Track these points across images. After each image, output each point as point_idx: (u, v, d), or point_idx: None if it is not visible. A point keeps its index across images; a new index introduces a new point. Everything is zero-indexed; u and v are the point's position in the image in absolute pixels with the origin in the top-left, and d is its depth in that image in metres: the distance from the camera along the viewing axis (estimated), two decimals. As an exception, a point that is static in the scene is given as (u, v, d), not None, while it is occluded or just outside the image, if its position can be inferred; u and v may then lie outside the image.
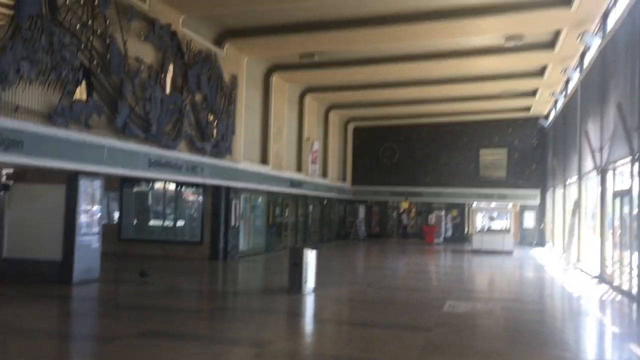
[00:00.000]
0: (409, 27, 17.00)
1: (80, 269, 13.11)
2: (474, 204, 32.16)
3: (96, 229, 13.70)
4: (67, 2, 11.82)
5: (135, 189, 20.93)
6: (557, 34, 18.37)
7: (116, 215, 21.05)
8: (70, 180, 13.04)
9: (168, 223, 20.89)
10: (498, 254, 25.36)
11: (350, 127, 35.16)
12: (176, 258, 19.32)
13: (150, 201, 21.21)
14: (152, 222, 21.05)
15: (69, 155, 11.94)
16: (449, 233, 33.21)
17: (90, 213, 13.52)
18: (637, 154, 12.42)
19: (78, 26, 12.12)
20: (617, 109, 13.31)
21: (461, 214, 33.70)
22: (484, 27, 17.23)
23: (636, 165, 12.67)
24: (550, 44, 19.30)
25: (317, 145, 28.87)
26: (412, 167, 34.38)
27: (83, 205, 13.23)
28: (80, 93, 12.24)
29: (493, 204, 32.26)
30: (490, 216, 29.99)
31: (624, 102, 13.65)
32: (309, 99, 27.46)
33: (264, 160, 22.59)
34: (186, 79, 16.56)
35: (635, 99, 12.78)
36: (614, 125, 14.78)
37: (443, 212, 33.25)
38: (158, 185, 20.73)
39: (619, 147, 14.18)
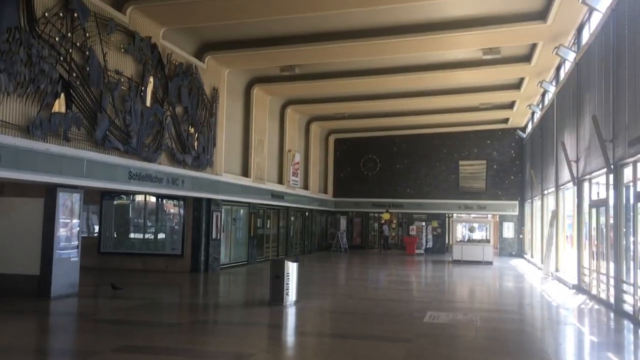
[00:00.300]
0: (389, 40, 17.21)
1: (59, 284, 12.93)
2: (455, 215, 32.48)
3: (75, 242, 13.54)
4: (46, 15, 11.77)
5: (116, 202, 20.74)
6: (533, 47, 18.74)
7: (96, 228, 20.82)
8: (49, 193, 12.90)
9: (149, 236, 20.71)
10: (478, 264, 25.59)
11: (332, 139, 35.30)
12: (157, 271, 19.18)
13: (130, 214, 21.02)
14: (132, 235, 20.85)
15: (48, 169, 11.83)
16: (430, 244, 33.39)
17: (69, 226, 13.38)
18: (612, 165, 12.66)
19: (57, 38, 12.07)
20: (592, 120, 13.57)
21: (442, 225, 33.92)
22: (462, 41, 17.50)
23: (611, 176, 12.91)
24: (526, 58, 19.67)
25: (298, 157, 28.94)
26: (392, 178, 34.58)
27: (62, 219, 13.07)
28: (59, 105, 12.16)
29: (473, 215, 32.63)
30: (470, 227, 30.24)
31: (599, 114, 13.93)
32: (290, 111, 27.56)
33: (245, 172, 22.59)
34: (167, 92, 16.54)
35: (610, 111, 13.06)
36: (590, 137, 15.06)
37: (424, 223, 33.45)
38: (139, 198, 20.56)
39: (595, 159, 14.44)
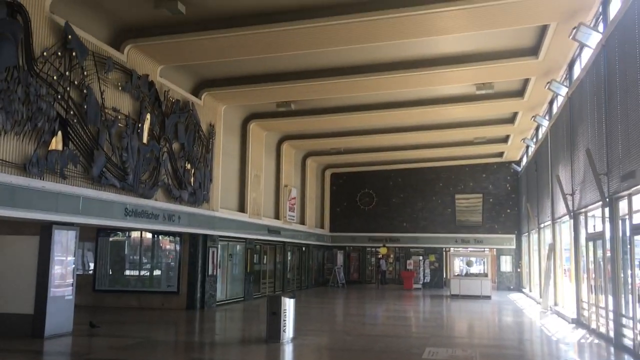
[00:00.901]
0: (384, 76, 17.46)
1: (53, 323, 12.77)
2: (452, 250, 32.39)
3: (70, 280, 13.41)
4: (45, 54, 11.92)
5: (111, 238, 20.64)
6: (526, 82, 19.02)
7: (91, 265, 20.66)
8: (44, 230, 12.83)
9: (144, 273, 20.54)
10: (476, 298, 25.41)
11: (328, 173, 35.41)
12: (152, 309, 18.97)
13: (126, 250, 20.88)
14: (128, 272, 20.68)
15: (43, 206, 11.82)
16: (428, 278, 33.20)
17: (64, 264, 13.26)
18: (607, 199, 12.71)
19: (55, 77, 12.20)
20: (586, 154, 13.67)
21: (439, 259, 33.78)
22: (456, 77, 17.75)
23: (607, 209, 12.95)
24: (519, 92, 19.94)
25: (294, 192, 28.96)
26: (389, 212, 34.57)
27: (57, 257, 12.96)
28: (56, 143, 12.21)
29: (470, 249, 32.55)
30: (468, 261, 30.11)
31: (592, 147, 14.05)
32: (286, 147, 27.70)
33: (241, 207, 22.57)
34: (163, 128, 16.64)
35: (603, 144, 13.17)
36: (584, 170, 15.16)
37: (421, 258, 33.32)
38: (134, 234, 20.47)
39: (590, 192, 14.50)
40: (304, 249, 31.36)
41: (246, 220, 22.50)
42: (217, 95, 19.59)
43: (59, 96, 12.32)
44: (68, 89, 12.61)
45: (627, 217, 11.82)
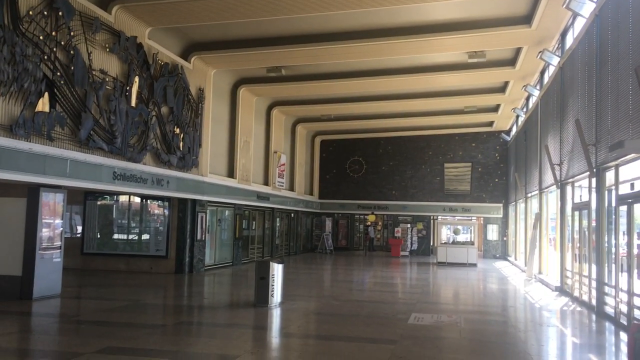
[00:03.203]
0: (375, 42, 17.29)
1: (41, 285, 12.82)
2: (439, 218, 32.67)
3: (58, 243, 13.41)
4: (30, 13, 11.67)
5: (99, 202, 20.58)
6: (517, 51, 18.92)
7: (79, 228, 20.64)
8: (32, 193, 12.76)
9: (133, 237, 20.57)
10: (463, 266, 25.75)
11: (318, 140, 35.33)
12: (141, 272, 19.05)
13: (114, 214, 20.86)
14: (116, 236, 20.70)
15: (30, 168, 11.72)
16: (415, 246, 33.55)
17: (52, 227, 13.24)
18: (595, 169, 12.81)
19: (41, 37, 11.97)
20: (576, 124, 13.72)
21: (427, 227, 34.09)
22: (448, 44, 17.60)
23: (594, 179, 13.06)
24: (511, 61, 19.85)
25: (284, 159, 28.92)
26: (378, 180, 34.69)
27: (45, 219, 12.94)
28: (43, 105, 12.05)
29: (457, 218, 32.83)
30: (455, 229, 30.42)
31: (582, 118, 14.09)
32: (276, 112, 27.54)
33: (231, 173, 22.53)
34: (152, 92, 16.46)
35: (592, 115, 13.21)
36: (573, 141, 15.23)
37: (409, 226, 33.59)
38: (123, 198, 20.42)
39: (578, 162, 14.60)
40: (292, 215, 31.48)
41: (235, 185, 22.49)
42: (206, 59, 19.33)
43: (46, 57, 12.11)
44: (54, 49, 12.38)
45: (613, 187, 11.94)
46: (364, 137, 34.79)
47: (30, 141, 11.67)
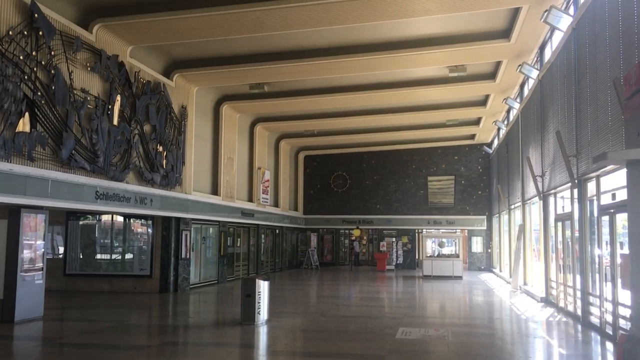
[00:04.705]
0: (357, 58, 17.41)
1: (23, 307, 12.59)
2: (424, 231, 32.77)
3: (40, 264, 13.21)
4: (10, 33, 11.59)
5: (82, 222, 20.34)
6: (497, 65, 19.18)
7: (61, 249, 20.36)
8: (12, 214, 12.57)
9: (116, 256, 20.33)
10: (448, 279, 25.80)
11: (301, 156, 35.36)
12: (125, 292, 18.81)
13: (97, 234, 20.62)
14: (99, 256, 20.44)
15: (11, 189, 11.56)
16: (400, 260, 33.57)
17: (34, 248, 13.04)
18: (576, 180, 12.95)
19: (21, 57, 11.88)
20: (556, 136, 13.88)
21: (412, 241, 34.15)
22: (428, 59, 17.79)
23: (575, 190, 13.20)
24: (491, 75, 20.11)
25: (268, 175, 28.88)
26: (362, 194, 34.75)
27: (26, 240, 12.74)
28: (24, 125, 11.93)
29: (442, 230, 32.95)
30: (440, 242, 30.51)
31: (562, 130, 14.26)
32: (259, 129, 27.55)
33: (214, 190, 22.43)
34: (134, 110, 16.38)
35: (573, 126, 13.38)
36: (554, 152, 15.40)
37: (394, 239, 33.64)
38: (105, 218, 20.20)
39: (559, 173, 14.76)
40: (277, 231, 31.37)
41: (219, 203, 22.38)
42: (189, 76, 19.32)
43: (26, 77, 12.02)
44: (35, 69, 12.30)
45: (595, 197, 12.07)
46: (347, 151, 34.89)
47: (10, 162, 11.53)
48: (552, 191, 16.06)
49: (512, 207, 24.20)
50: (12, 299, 12.43)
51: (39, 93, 12.40)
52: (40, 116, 12.45)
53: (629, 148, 8.70)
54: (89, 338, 11.20)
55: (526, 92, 20.24)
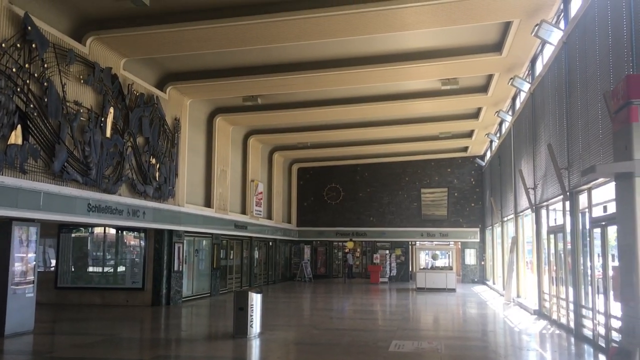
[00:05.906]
0: (350, 71, 17.51)
1: (14, 321, 12.50)
2: (418, 243, 32.78)
3: (31, 277, 13.11)
4: (3, 45, 11.59)
5: (74, 234, 20.23)
6: (489, 78, 19.33)
7: (53, 262, 20.22)
8: (4, 226, 12.51)
9: (108, 269, 20.21)
10: (442, 291, 25.77)
11: (295, 168, 35.38)
12: (117, 305, 18.69)
13: (89, 247, 20.50)
14: (91, 269, 20.31)
15: (3, 202, 11.49)
16: (394, 272, 33.53)
17: (25, 261, 12.96)
18: (568, 192, 13.02)
19: (14, 69, 11.87)
20: (548, 149, 13.97)
21: (405, 253, 34.14)
22: (421, 72, 17.90)
23: (567, 203, 13.27)
24: (483, 88, 20.25)
25: (261, 187, 28.85)
26: (356, 207, 34.76)
27: (17, 253, 12.67)
28: (16, 137, 11.89)
29: (435, 243, 32.98)
30: (433, 254, 30.51)
31: (554, 142, 14.35)
32: (252, 141, 27.56)
33: (208, 202, 22.39)
34: (127, 122, 16.37)
35: (564, 139, 13.48)
36: (546, 165, 15.49)
37: (387, 252, 33.62)
38: (97, 230, 20.10)
39: (551, 186, 14.83)
40: (271, 243, 31.30)
41: (212, 215, 22.33)
42: (182, 89, 19.35)
43: (19, 89, 12.00)
44: (28, 81, 12.28)
45: (586, 210, 12.13)
46: (340, 164, 34.95)
47: (2, 174, 11.47)
48: (544, 203, 16.13)
49: (505, 219, 24.26)
50: (3, 312, 12.33)
51: (32, 105, 12.38)
52: (33, 128, 12.42)
53: (617, 161, 8.77)
54: (80, 352, 11.10)
55: (518, 105, 20.38)
